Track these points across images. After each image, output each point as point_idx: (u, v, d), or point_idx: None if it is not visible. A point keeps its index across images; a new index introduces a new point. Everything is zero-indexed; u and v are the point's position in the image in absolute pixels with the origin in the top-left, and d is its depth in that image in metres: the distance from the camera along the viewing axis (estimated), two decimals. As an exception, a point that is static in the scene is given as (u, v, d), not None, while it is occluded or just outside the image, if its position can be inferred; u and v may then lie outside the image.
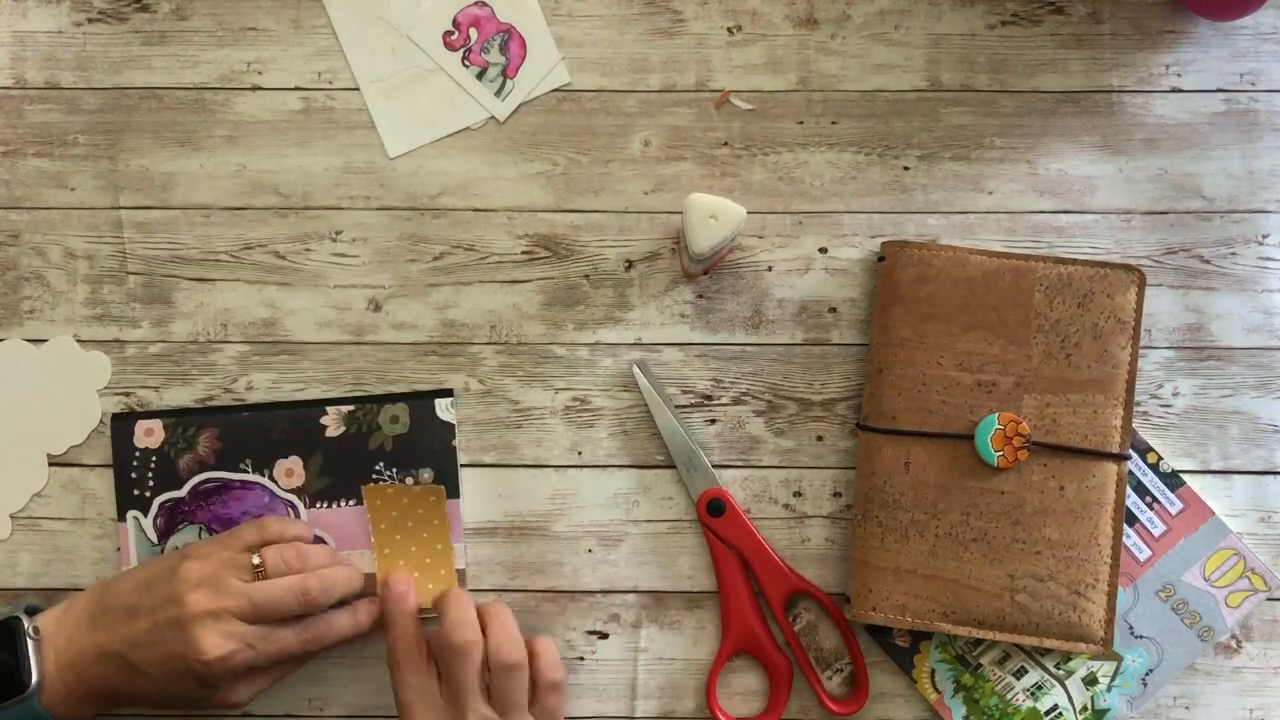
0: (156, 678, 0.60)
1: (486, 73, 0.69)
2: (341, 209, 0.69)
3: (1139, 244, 0.69)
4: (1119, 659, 0.67)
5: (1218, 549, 0.67)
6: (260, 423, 0.67)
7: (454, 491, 0.67)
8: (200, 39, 0.70)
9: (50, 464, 0.68)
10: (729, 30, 0.70)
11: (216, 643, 0.60)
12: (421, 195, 0.69)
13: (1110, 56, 0.70)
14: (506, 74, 0.69)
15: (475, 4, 0.69)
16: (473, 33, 0.69)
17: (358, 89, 0.70)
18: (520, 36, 0.69)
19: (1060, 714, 0.67)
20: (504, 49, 0.69)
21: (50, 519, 0.68)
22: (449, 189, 0.69)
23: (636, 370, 0.68)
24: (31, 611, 0.63)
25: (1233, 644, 0.68)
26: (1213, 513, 0.67)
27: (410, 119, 0.69)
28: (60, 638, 0.61)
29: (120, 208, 0.69)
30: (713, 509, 0.67)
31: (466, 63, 0.69)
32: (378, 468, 0.67)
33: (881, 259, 0.67)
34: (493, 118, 0.69)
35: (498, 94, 0.69)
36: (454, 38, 0.69)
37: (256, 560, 0.62)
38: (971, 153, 0.70)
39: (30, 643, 0.60)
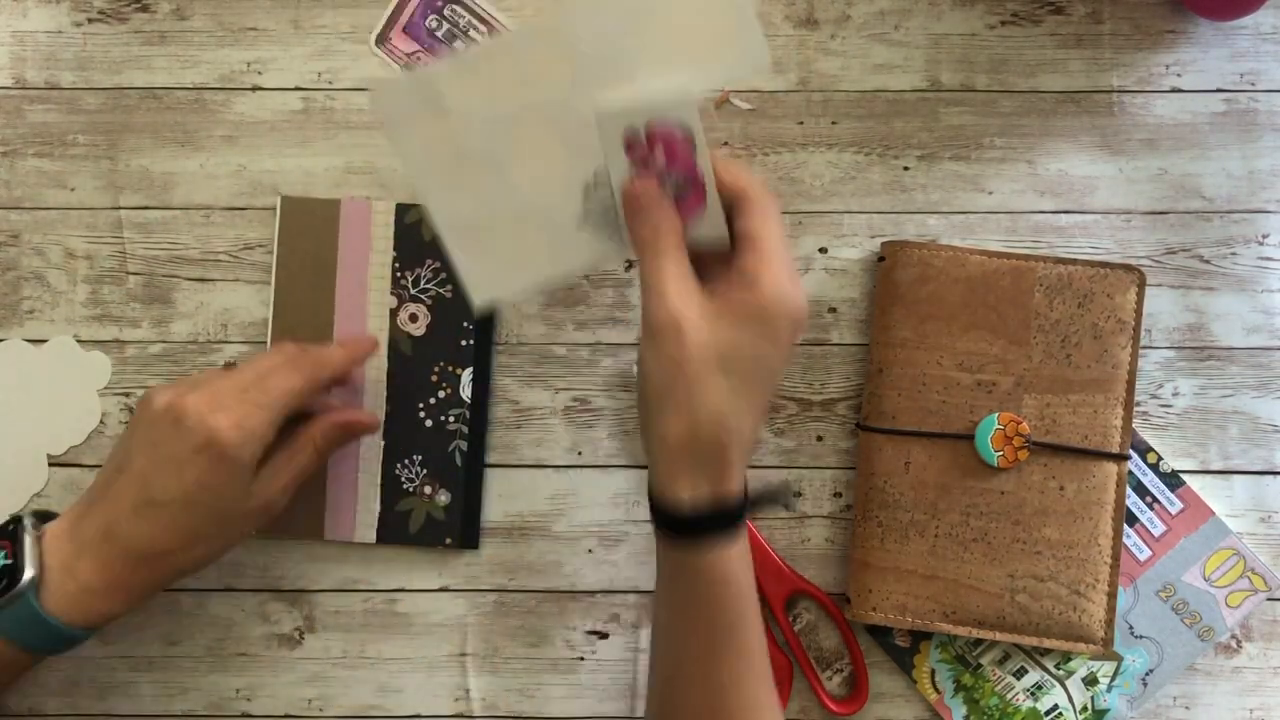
0: (181, 501, 0.57)
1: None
2: (341, 209, 0.69)
3: (1139, 244, 0.69)
4: (1119, 659, 0.67)
5: (1218, 549, 0.67)
6: None
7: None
8: (200, 39, 0.70)
9: (50, 464, 0.68)
10: (729, 30, 0.70)
11: (227, 419, 0.57)
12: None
13: (1110, 56, 0.70)
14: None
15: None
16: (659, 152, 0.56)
17: (358, 89, 0.70)
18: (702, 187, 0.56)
19: (1060, 714, 0.67)
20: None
21: (50, 519, 0.68)
22: (449, 189, 0.69)
23: (636, 369, 0.68)
24: (45, 517, 0.60)
25: (1233, 644, 0.68)
26: (1213, 513, 0.67)
27: None
28: (66, 537, 0.58)
29: (120, 208, 0.69)
30: (713, 509, 0.67)
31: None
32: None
33: (881, 259, 0.67)
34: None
35: None
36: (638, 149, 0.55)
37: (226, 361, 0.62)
38: (971, 153, 0.70)
39: (29, 538, 0.57)
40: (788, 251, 0.55)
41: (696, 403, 0.53)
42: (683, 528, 0.54)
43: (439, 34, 0.63)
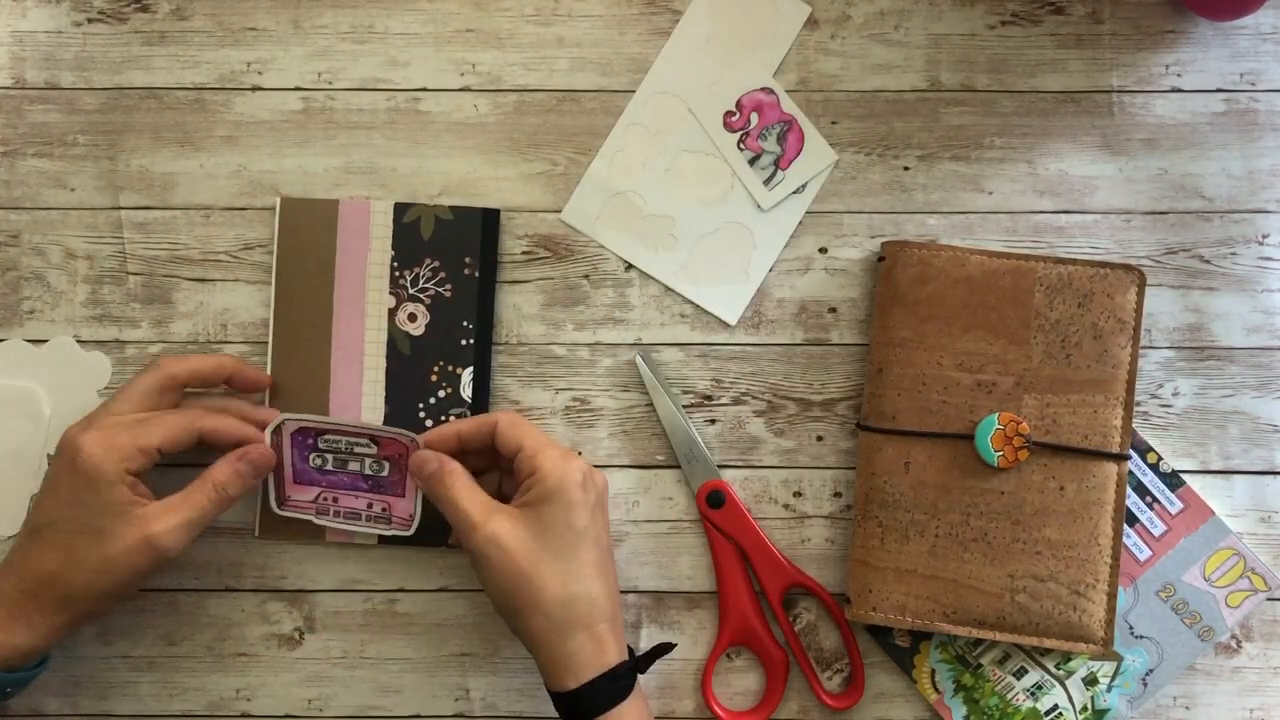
0: (55, 520, 0.60)
1: (759, 160, 0.69)
2: (341, 209, 0.69)
3: (1139, 244, 0.69)
4: (1119, 659, 0.67)
5: (1218, 549, 0.67)
6: None
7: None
8: (200, 39, 0.70)
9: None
10: (729, 30, 0.70)
11: (94, 437, 0.60)
12: (422, 195, 0.69)
13: (1110, 56, 0.70)
14: (779, 165, 0.69)
15: (762, 89, 0.68)
16: (753, 117, 0.68)
17: (358, 89, 0.70)
18: (800, 130, 0.68)
19: (1060, 714, 0.67)
20: (781, 139, 0.68)
21: (50, 519, 0.68)
22: (449, 189, 0.69)
23: (639, 359, 0.68)
24: None
25: (1233, 644, 0.68)
26: (1213, 513, 0.67)
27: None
28: None
29: (120, 208, 0.69)
30: (712, 500, 0.67)
31: (741, 146, 0.68)
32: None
33: (881, 259, 0.67)
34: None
35: (766, 183, 0.68)
36: (734, 119, 0.68)
37: None
38: (971, 153, 0.70)
39: None
40: (548, 439, 0.62)
41: (542, 596, 0.59)
42: (580, 709, 0.59)
43: (329, 466, 0.66)
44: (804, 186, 0.69)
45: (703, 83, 0.69)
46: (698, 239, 0.69)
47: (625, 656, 0.61)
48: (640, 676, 0.67)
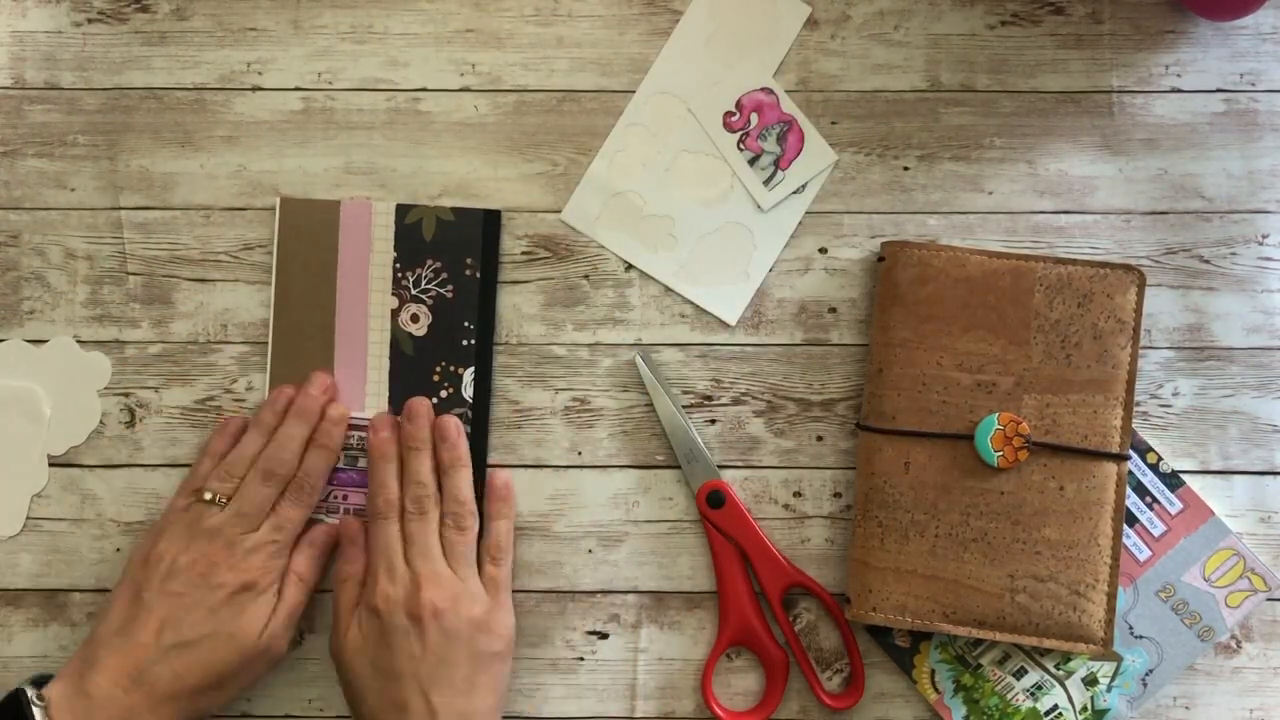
0: (210, 639, 0.61)
1: (759, 160, 0.69)
2: (341, 209, 0.69)
3: (1139, 244, 0.69)
4: (1119, 659, 0.67)
5: (1218, 549, 0.67)
6: None
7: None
8: (200, 39, 0.70)
9: (50, 464, 0.68)
10: (729, 30, 0.70)
11: (253, 561, 0.62)
12: (422, 195, 0.69)
13: (1110, 56, 0.70)
14: (779, 165, 0.69)
15: (762, 90, 0.68)
16: (753, 117, 0.68)
17: (358, 89, 0.70)
18: (800, 130, 0.68)
19: (1060, 714, 0.67)
20: (781, 139, 0.68)
21: (50, 519, 0.68)
22: (449, 189, 0.69)
23: (639, 359, 0.68)
24: (40, 682, 0.60)
25: (1233, 644, 0.68)
26: (1213, 513, 0.67)
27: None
28: (76, 696, 0.59)
29: (120, 208, 0.69)
30: (712, 501, 0.67)
31: (741, 146, 0.68)
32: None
33: (881, 259, 0.67)
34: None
35: (766, 183, 0.68)
36: (734, 119, 0.68)
37: (209, 496, 0.63)
38: (971, 153, 0.70)
39: (37, 711, 0.57)
40: (381, 557, 0.64)
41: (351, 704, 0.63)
42: None
43: (341, 464, 0.67)
44: (804, 186, 0.69)
45: (703, 83, 0.69)
46: (698, 239, 0.69)
47: None
48: (640, 678, 0.67)
